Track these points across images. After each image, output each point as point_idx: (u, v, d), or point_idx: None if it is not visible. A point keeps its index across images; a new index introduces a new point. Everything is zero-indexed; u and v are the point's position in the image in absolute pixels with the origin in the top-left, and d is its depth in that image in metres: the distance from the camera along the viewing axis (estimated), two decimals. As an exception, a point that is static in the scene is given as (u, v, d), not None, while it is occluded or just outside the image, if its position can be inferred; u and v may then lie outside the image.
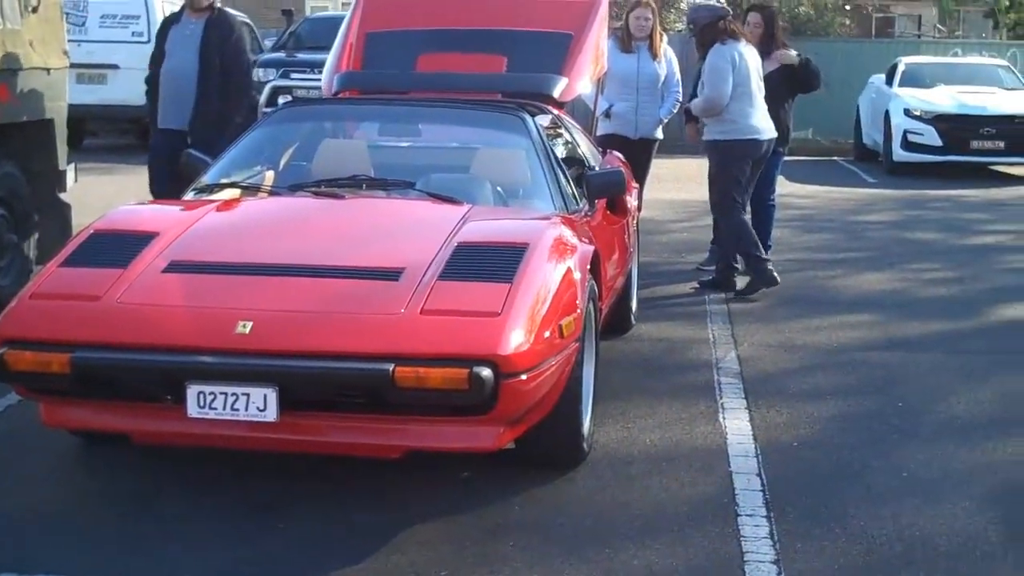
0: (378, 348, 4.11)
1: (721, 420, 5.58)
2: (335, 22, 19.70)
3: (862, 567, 4.06)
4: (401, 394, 4.08)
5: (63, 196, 7.99)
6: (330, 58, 7.35)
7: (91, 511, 4.46)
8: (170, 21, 8.11)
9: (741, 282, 8.33)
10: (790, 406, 5.79)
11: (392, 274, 4.46)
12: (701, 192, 10.31)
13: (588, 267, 4.89)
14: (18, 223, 7.47)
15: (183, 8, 8.04)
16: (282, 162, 5.95)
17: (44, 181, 7.80)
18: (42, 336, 4.24)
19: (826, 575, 4.01)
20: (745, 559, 4.09)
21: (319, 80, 16.89)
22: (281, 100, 16.11)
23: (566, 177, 5.79)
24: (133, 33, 17.43)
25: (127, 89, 15.87)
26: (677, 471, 4.94)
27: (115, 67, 17.14)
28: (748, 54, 8.00)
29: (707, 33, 7.99)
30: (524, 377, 4.16)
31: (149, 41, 16.81)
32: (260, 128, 6.12)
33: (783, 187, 10.55)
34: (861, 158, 18.20)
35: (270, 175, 5.79)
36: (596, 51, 7.35)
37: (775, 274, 8.11)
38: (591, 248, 5.06)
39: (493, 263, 4.52)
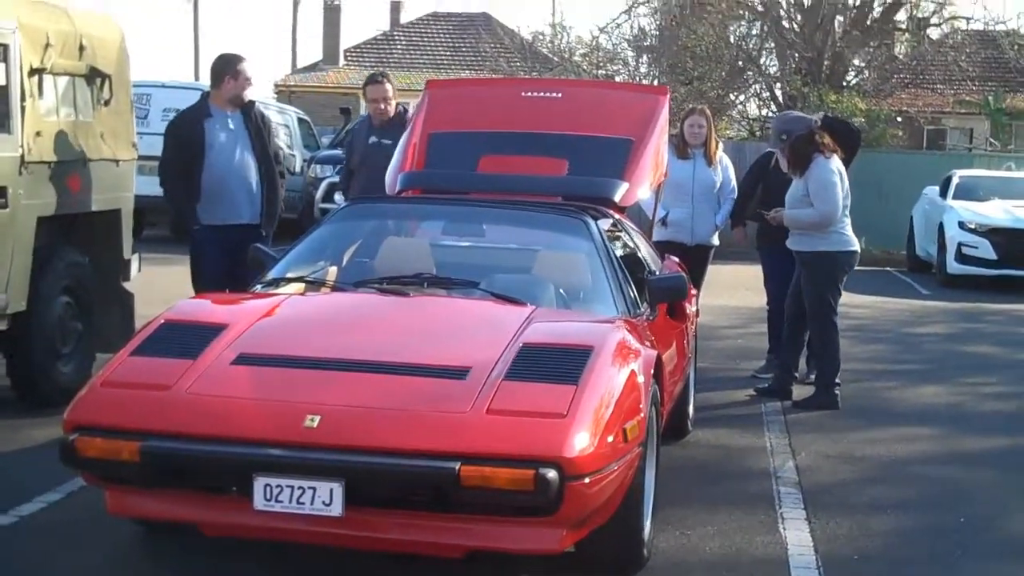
0: (444, 446, 4.12)
1: (781, 530, 5.52)
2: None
3: None
4: (466, 493, 4.08)
5: (126, 285, 8.09)
6: (395, 157, 7.44)
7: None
8: (197, 115, 7.67)
9: (797, 391, 8.30)
10: (850, 518, 5.73)
11: (458, 373, 4.48)
12: (754, 299, 10.30)
13: (652, 371, 4.90)
14: (83, 311, 7.56)
15: (206, 101, 7.71)
16: (346, 258, 6.02)
17: (109, 270, 7.91)
18: (112, 423, 4.29)
19: None
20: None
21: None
22: (337, 197, 16.40)
23: (628, 281, 5.82)
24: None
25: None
26: (737, 581, 4.90)
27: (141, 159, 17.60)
28: (843, 167, 8.12)
29: (803, 145, 8.03)
30: (588, 480, 4.15)
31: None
32: (326, 225, 6.19)
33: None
34: (914, 269, 18.16)
35: (334, 271, 5.85)
36: (656, 157, 7.40)
37: (839, 399, 8.09)
38: (654, 352, 5.07)
39: (558, 365, 4.54)
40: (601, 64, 28.46)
